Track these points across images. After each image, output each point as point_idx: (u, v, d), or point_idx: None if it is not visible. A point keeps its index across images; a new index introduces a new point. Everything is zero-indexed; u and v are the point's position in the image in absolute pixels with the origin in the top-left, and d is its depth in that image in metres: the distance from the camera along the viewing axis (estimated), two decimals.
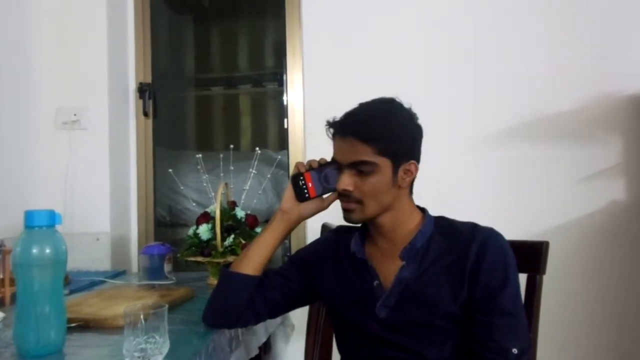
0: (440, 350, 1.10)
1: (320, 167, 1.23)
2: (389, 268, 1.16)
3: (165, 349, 0.99)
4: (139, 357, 0.96)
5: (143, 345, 0.96)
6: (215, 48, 3.41)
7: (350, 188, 1.13)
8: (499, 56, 2.08)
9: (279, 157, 2.32)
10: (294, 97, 2.28)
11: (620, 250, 2.00)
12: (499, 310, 1.06)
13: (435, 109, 1.91)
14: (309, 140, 2.22)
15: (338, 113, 1.18)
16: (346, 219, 1.18)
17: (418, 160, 1.17)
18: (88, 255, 2.10)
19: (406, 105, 1.18)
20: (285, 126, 2.31)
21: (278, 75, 2.91)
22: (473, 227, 1.15)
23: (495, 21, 2.10)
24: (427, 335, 1.11)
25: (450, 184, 2.03)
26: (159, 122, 2.45)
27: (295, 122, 2.28)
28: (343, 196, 1.16)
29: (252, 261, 1.24)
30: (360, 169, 1.12)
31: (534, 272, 1.23)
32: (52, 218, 1.08)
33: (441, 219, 1.21)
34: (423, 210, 1.23)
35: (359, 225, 1.23)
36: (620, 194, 2.00)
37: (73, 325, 1.22)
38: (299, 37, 2.24)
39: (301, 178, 1.24)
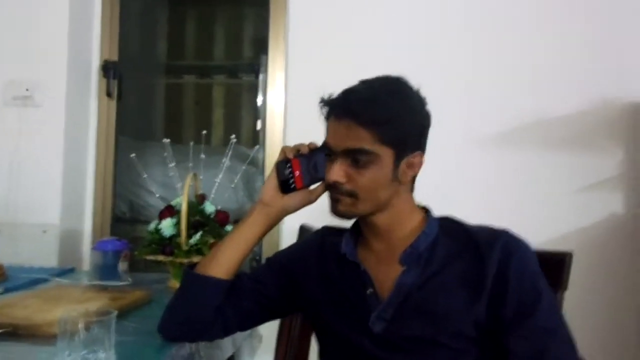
0: None
1: (310, 153, 1.04)
2: (385, 274, 0.99)
3: None
4: None
5: None
6: (190, 34, 3.20)
7: (342, 180, 0.96)
8: (499, 55, 1.99)
9: (252, 153, 2.13)
10: (274, 95, 2.12)
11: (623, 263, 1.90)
12: (540, 330, 0.89)
13: (431, 107, 1.78)
14: (289, 140, 2.06)
15: None
16: (333, 211, 1.01)
17: (424, 152, 1.01)
18: (32, 249, 1.89)
19: (414, 88, 1.01)
20: (258, 128, 2.19)
21: (255, 67, 2.73)
22: (489, 231, 0.98)
23: (496, 22, 2.00)
24: (431, 355, 0.93)
25: (442, 186, 1.87)
26: (124, 109, 2.26)
27: (274, 122, 2.12)
28: (332, 187, 0.99)
29: (223, 262, 1.05)
30: (357, 157, 0.95)
31: (555, 288, 1.05)
32: None
33: (447, 220, 1.04)
34: (425, 209, 1.06)
35: (350, 223, 1.06)
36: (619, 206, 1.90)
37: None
38: (283, 30, 2.08)
39: (288, 165, 1.05)
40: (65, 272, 1.77)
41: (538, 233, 1.83)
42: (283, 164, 1.07)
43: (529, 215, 1.90)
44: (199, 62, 3.17)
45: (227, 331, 1.08)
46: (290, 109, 2.08)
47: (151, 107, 3.09)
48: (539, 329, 0.89)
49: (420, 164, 1.00)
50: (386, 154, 0.95)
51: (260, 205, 1.08)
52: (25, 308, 1.15)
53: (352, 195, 0.97)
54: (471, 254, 0.95)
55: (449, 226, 1.02)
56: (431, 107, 1.80)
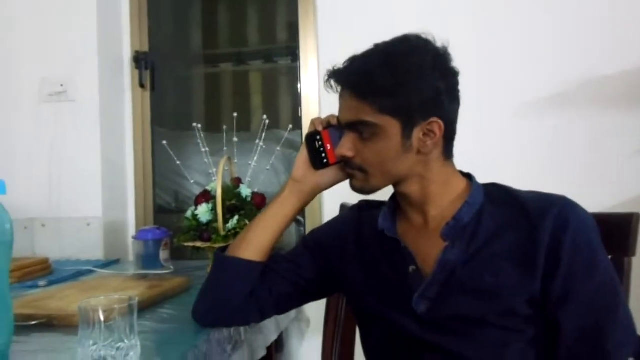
0: (498, 357, 0.84)
1: (340, 125, 0.97)
2: (428, 249, 0.91)
3: (135, 356, 0.75)
4: None
5: (103, 352, 0.72)
6: (224, 21, 3.16)
7: (350, 154, 0.92)
8: (547, 14, 1.81)
9: (286, 134, 2.08)
10: (308, 80, 2.06)
11: None
12: (594, 306, 0.80)
13: (481, 73, 1.69)
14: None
15: None
16: (350, 186, 0.97)
17: (448, 116, 0.90)
18: (77, 242, 1.89)
19: (439, 44, 0.91)
20: (300, 114, 2.14)
21: (291, 50, 2.67)
22: (541, 198, 0.88)
23: None
24: (481, 336, 0.85)
25: (494, 154, 1.78)
26: (160, 100, 2.22)
27: (309, 107, 2.08)
28: (345, 163, 0.95)
29: (255, 244, 1.01)
30: (360, 130, 0.90)
31: (621, 254, 0.95)
32: None
33: (494, 187, 0.95)
34: (468, 176, 0.97)
35: (386, 197, 0.99)
36: None
37: (34, 323, 1.00)
38: (313, 15, 2.00)
39: (318, 138, 1.00)
40: (110, 263, 1.78)
41: (598, 200, 1.71)
42: (312, 136, 1.01)
43: (587, 181, 1.73)
44: (234, 50, 3.12)
45: (263, 315, 1.03)
46: (324, 93, 2.01)
47: (189, 98, 3.07)
48: (592, 305, 0.80)
49: (440, 130, 0.88)
50: (390, 125, 0.87)
51: (292, 182, 1.02)
52: (61, 299, 1.14)
53: (362, 170, 0.92)
54: (522, 224, 0.85)
55: (496, 194, 0.92)
56: (480, 73, 1.70)
